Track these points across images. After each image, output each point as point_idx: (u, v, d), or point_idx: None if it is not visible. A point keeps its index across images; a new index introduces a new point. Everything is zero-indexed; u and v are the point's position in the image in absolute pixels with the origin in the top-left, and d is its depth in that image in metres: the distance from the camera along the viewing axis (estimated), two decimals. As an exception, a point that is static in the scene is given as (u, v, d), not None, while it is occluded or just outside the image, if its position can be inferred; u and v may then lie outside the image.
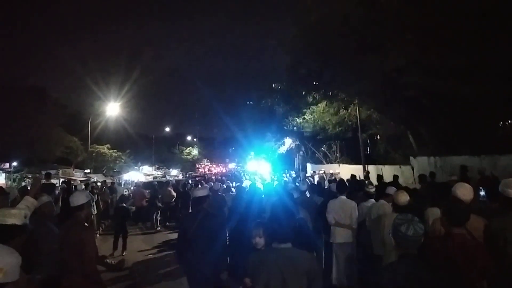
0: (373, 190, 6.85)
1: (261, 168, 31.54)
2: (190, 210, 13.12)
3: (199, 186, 15.96)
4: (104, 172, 33.89)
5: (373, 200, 6.52)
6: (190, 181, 21.93)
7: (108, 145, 35.93)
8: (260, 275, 2.93)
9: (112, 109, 33.77)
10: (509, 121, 17.93)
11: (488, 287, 2.94)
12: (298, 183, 10.94)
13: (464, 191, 3.89)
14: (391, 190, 5.80)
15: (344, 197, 6.57)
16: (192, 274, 4.72)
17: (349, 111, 20.36)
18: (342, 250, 6.42)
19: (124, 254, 9.87)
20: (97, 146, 34.34)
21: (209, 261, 4.55)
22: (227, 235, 7.10)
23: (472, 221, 3.48)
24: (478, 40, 11.52)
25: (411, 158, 16.63)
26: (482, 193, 7.57)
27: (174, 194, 14.98)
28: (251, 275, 3.02)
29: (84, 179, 24.30)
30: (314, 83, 20.94)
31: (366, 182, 9.17)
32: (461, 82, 12.09)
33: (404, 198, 4.87)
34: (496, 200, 4.38)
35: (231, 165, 71.82)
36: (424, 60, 12.86)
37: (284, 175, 20.85)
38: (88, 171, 31.63)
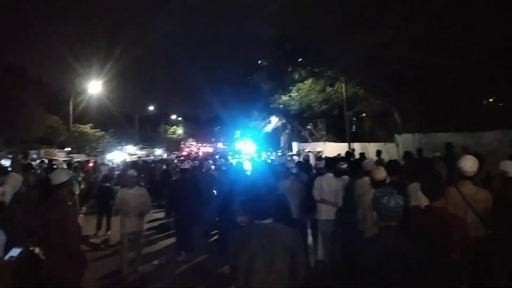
0: (344, 166, 6.92)
1: (247, 147, 31.46)
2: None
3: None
4: (87, 152, 33.40)
5: (346, 177, 6.58)
6: (175, 161, 21.81)
7: (90, 125, 35.31)
8: (243, 251, 2.92)
9: (94, 87, 32.89)
10: (493, 98, 18.11)
11: (465, 257, 3.07)
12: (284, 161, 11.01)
13: (468, 163, 3.97)
14: (368, 165, 5.87)
15: (330, 175, 6.67)
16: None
17: (335, 88, 20.26)
18: (327, 227, 6.54)
19: (108, 233, 9.75)
20: (79, 126, 33.72)
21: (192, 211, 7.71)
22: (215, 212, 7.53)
23: (477, 193, 3.82)
24: (464, 13, 11.47)
25: (396, 135, 16.72)
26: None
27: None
28: (234, 252, 3.00)
29: (67, 158, 23.87)
30: (300, 59, 20.75)
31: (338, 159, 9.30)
32: (446, 56, 12.09)
33: (380, 174, 4.91)
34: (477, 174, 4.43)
35: (219, 145, 71.49)
36: (409, 34, 12.81)
37: (269, 153, 20.80)
38: (69, 149, 31.06)
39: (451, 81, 13.30)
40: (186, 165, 9.10)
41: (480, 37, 11.45)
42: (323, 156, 15.70)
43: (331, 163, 7.30)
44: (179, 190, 7.95)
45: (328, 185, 6.49)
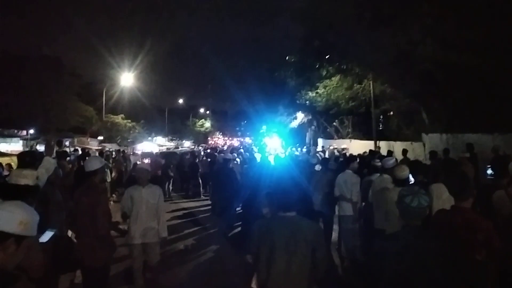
0: (379, 164, 6.90)
1: (273, 142, 31.63)
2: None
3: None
4: (118, 141, 34.37)
5: (377, 174, 6.58)
6: (202, 153, 22.28)
7: (122, 115, 36.29)
8: (265, 242, 2.98)
9: (127, 79, 33.83)
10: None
11: (490, 259, 2.98)
12: (309, 157, 11.22)
13: None
14: (387, 163, 5.92)
15: (349, 171, 6.85)
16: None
17: (363, 85, 20.06)
18: (345, 223, 6.71)
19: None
20: (111, 116, 34.70)
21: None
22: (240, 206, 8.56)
23: None
24: (497, 11, 11.19)
25: (423, 134, 16.50)
26: (489, 171, 7.60)
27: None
28: (256, 242, 3.06)
29: (99, 147, 24.70)
30: (327, 56, 20.62)
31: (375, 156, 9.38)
32: (478, 56, 11.82)
33: (403, 172, 4.92)
34: (503, 177, 4.52)
35: (245, 139, 71.72)
36: (440, 33, 12.58)
37: (294, 149, 20.85)
38: (101, 138, 32.08)
39: (482, 81, 13.01)
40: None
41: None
42: (347, 153, 15.76)
43: (350, 160, 7.52)
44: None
45: (345, 182, 6.68)
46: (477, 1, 11.48)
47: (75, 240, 4.07)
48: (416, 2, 13.31)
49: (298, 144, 25.77)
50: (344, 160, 7.87)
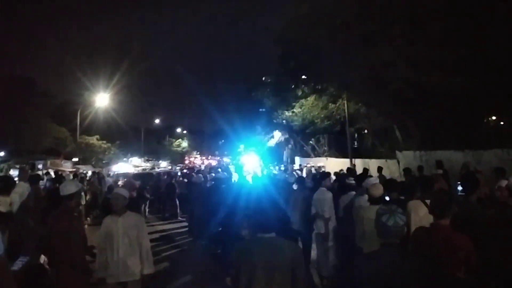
0: (353, 182, 7.03)
1: (251, 161, 31.68)
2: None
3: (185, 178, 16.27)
4: (93, 163, 33.66)
5: (353, 192, 6.60)
6: (179, 173, 22.02)
7: (97, 136, 35.64)
8: (245, 264, 2.97)
9: (102, 100, 33.27)
10: (494, 117, 18.23)
11: (469, 275, 3.01)
12: (287, 175, 11.24)
13: None
14: (368, 183, 5.85)
15: (323, 188, 6.86)
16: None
17: (337, 105, 20.54)
18: (320, 240, 6.73)
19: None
20: (86, 137, 34.03)
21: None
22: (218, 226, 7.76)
23: None
24: (465, 34, 11.70)
25: (397, 152, 16.82)
26: (460, 187, 7.73)
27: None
28: (236, 264, 3.05)
29: (73, 170, 24.11)
30: (303, 76, 21.09)
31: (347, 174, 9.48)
32: (447, 76, 12.25)
33: (377, 190, 4.95)
34: (473, 193, 4.53)
35: (223, 158, 71.54)
36: (410, 54, 13.01)
37: (272, 167, 20.94)
38: (76, 160, 31.34)
39: (452, 100, 13.40)
40: (220, 175, 11.03)
41: (481, 56, 11.62)
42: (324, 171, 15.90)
43: (323, 177, 7.54)
44: (209, 193, 9.64)
45: (319, 199, 6.71)
46: (445, 24, 11.99)
47: (47, 267, 3.98)
48: (387, 25, 13.78)
49: (276, 163, 25.91)
50: (318, 178, 7.84)
